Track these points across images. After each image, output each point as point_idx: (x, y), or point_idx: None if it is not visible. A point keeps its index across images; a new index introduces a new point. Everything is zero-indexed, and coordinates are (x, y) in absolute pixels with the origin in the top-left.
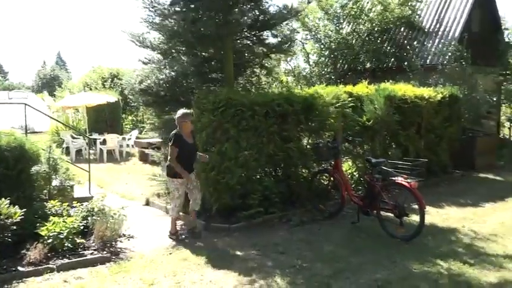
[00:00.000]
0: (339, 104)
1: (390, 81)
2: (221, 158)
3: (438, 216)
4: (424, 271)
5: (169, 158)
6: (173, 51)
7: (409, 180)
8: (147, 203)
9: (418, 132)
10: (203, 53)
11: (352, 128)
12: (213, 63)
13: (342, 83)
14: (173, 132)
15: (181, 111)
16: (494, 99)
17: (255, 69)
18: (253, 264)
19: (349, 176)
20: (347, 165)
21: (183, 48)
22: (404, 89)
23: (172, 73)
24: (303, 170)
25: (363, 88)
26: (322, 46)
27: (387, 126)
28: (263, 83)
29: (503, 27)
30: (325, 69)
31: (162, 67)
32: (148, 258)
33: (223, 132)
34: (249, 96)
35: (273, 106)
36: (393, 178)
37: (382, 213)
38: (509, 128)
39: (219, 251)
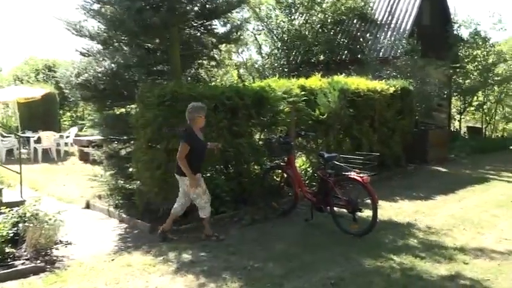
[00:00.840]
0: (292, 97)
1: (344, 74)
2: (168, 155)
3: (391, 210)
4: (377, 266)
5: (177, 155)
6: (114, 40)
7: (361, 175)
8: (88, 206)
9: (371, 126)
10: (147, 44)
11: (305, 122)
12: (158, 54)
13: (295, 76)
14: (183, 128)
15: (195, 104)
16: (445, 92)
17: (203, 61)
18: (203, 267)
19: (303, 172)
20: (301, 161)
21: (125, 38)
22: (358, 82)
23: (113, 65)
24: (255, 167)
25: (316, 81)
26: (274, 37)
27: (341, 120)
28: (213, 75)
29: (452, 21)
30: (278, 62)
31: (102, 58)
32: (88, 265)
33: (170, 128)
34: (197, 89)
35: (223, 100)
36: (346, 173)
37: (336, 209)
38: (459, 121)
39: (166, 254)
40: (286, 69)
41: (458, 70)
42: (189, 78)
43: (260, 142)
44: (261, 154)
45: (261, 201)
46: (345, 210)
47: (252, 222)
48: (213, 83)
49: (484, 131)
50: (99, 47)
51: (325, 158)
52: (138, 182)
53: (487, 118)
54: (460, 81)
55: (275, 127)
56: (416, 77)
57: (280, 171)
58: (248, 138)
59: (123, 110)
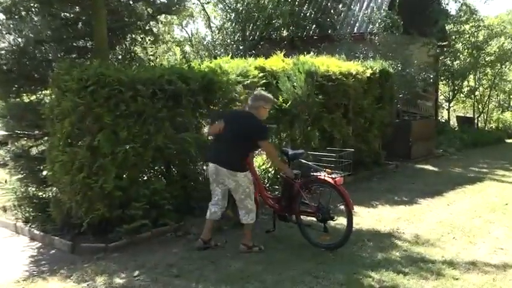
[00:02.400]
0: (248, 81)
1: (312, 53)
2: (92, 154)
3: (370, 217)
4: (352, 286)
5: (273, 154)
6: (21, 8)
7: (333, 175)
8: None
9: (345, 116)
10: (65, 13)
11: None
12: (78, 26)
13: (253, 55)
14: (257, 120)
15: (263, 93)
16: (432, 75)
17: (137, 36)
18: None
19: (263, 173)
20: (260, 160)
21: (36, 6)
22: (328, 63)
23: (20, 40)
24: (204, 168)
25: (278, 62)
26: (227, 7)
27: (309, 109)
28: (151, 54)
29: None
30: (232, 37)
31: (6, 32)
32: None
33: (95, 119)
34: (129, 71)
35: (162, 84)
36: (315, 173)
37: (303, 217)
38: (448, 110)
39: (91, 279)
40: (241, 47)
41: (445, 49)
42: (119, 57)
43: (210, 137)
44: None
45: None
46: (314, 218)
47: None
48: (151, 64)
49: (476, 121)
50: (1, 16)
51: (289, 156)
52: (55, 188)
53: (480, 106)
54: (448, 62)
55: None
56: (398, 58)
57: None
58: (195, 132)
59: (33, 97)
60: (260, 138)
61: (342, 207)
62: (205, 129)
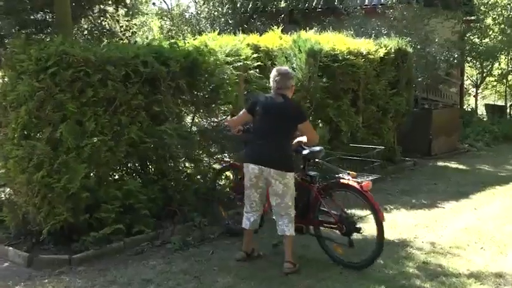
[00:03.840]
0: (240, 62)
1: (315, 29)
2: (53, 149)
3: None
4: None
5: (315, 139)
6: None
7: (360, 180)
8: None
9: (353, 104)
10: None
11: None
12: None
13: (245, 31)
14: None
15: (289, 70)
16: (456, 55)
17: (106, 7)
18: None
19: None
20: None
21: None
22: (334, 41)
23: None
24: (187, 165)
25: (274, 39)
26: None
27: (311, 96)
28: (125, 29)
29: None
30: (220, 10)
31: None
32: None
33: (56, 107)
34: (98, 49)
35: (137, 66)
36: (336, 176)
37: (323, 229)
38: (475, 97)
39: None
40: (231, 21)
41: (473, 25)
42: (84, 33)
43: (194, 128)
44: (195, 146)
45: (196, 215)
46: (335, 230)
47: (182, 246)
48: (124, 41)
49: (508, 110)
50: None
51: (304, 155)
52: (8, 189)
53: None
54: (476, 40)
55: (215, 106)
56: (417, 35)
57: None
58: (176, 122)
59: None
60: (303, 119)
61: (361, 212)
62: (188, 119)
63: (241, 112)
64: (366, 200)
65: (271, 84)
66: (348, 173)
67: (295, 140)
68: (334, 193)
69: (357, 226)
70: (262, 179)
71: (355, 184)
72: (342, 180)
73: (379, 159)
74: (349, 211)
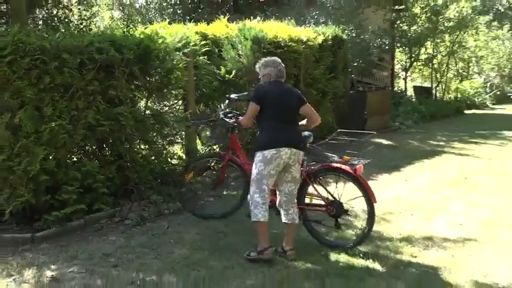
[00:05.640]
0: (188, 49)
1: (258, 17)
2: (13, 133)
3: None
4: (307, 269)
5: (317, 120)
6: None
7: (352, 163)
8: None
9: (295, 87)
10: None
11: (208, 83)
12: None
13: (192, 20)
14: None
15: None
16: (387, 42)
17: None
18: (73, 287)
19: None
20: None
21: None
22: (277, 29)
23: None
24: (142, 146)
25: (221, 27)
26: None
27: (255, 80)
28: (75, 19)
29: None
30: (168, 0)
31: None
32: None
33: (14, 93)
34: (53, 38)
35: (92, 53)
36: (327, 160)
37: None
38: (404, 80)
39: (17, 273)
40: (179, 11)
41: (402, 14)
42: (39, 22)
43: (147, 112)
44: (148, 128)
45: (153, 192)
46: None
47: (140, 222)
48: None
49: (434, 91)
50: None
51: None
52: None
53: (438, 76)
54: (405, 28)
55: (167, 90)
56: (352, 23)
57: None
58: (130, 106)
59: None
60: (305, 101)
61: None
62: (142, 103)
63: (250, 107)
64: (359, 184)
65: (272, 72)
66: (341, 158)
67: None
68: (324, 177)
69: (345, 209)
70: (289, 163)
71: (347, 168)
72: (334, 164)
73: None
74: (336, 195)
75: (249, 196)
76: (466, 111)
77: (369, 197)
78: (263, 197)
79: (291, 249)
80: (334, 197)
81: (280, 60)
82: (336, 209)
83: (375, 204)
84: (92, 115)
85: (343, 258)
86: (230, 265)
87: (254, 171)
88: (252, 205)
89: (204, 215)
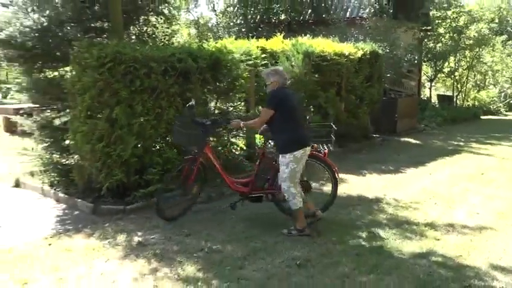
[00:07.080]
0: (251, 61)
1: (308, 35)
2: (111, 125)
3: (359, 185)
4: (344, 245)
5: None
6: None
7: (321, 150)
8: (17, 185)
9: (338, 94)
10: None
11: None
12: (96, 8)
13: (254, 37)
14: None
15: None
16: (416, 57)
17: (149, 17)
18: (155, 250)
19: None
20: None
21: None
22: (324, 45)
23: (43, 19)
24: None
25: (278, 43)
26: None
27: (305, 87)
28: (164, 34)
29: None
30: (234, 20)
31: (30, 10)
32: (21, 252)
33: (112, 94)
34: (143, 50)
35: (173, 62)
36: None
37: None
38: (429, 89)
39: (112, 237)
40: (243, 29)
41: (429, 33)
42: (132, 37)
43: (216, 111)
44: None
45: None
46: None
47: (207, 200)
48: (163, 44)
49: (455, 99)
50: None
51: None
52: (77, 156)
53: (458, 86)
54: (431, 45)
55: (233, 94)
56: (386, 41)
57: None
58: (203, 106)
59: (56, 73)
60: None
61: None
62: (212, 104)
63: (265, 112)
64: (326, 164)
65: (279, 80)
66: (312, 146)
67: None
68: None
69: (311, 186)
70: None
71: (319, 154)
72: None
73: (330, 137)
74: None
75: (283, 189)
76: (482, 117)
77: (334, 173)
78: (298, 189)
79: (316, 209)
80: (302, 178)
81: (282, 72)
82: (304, 187)
83: (337, 178)
84: (173, 113)
85: (375, 238)
86: (281, 239)
87: (286, 170)
88: (290, 196)
89: None
